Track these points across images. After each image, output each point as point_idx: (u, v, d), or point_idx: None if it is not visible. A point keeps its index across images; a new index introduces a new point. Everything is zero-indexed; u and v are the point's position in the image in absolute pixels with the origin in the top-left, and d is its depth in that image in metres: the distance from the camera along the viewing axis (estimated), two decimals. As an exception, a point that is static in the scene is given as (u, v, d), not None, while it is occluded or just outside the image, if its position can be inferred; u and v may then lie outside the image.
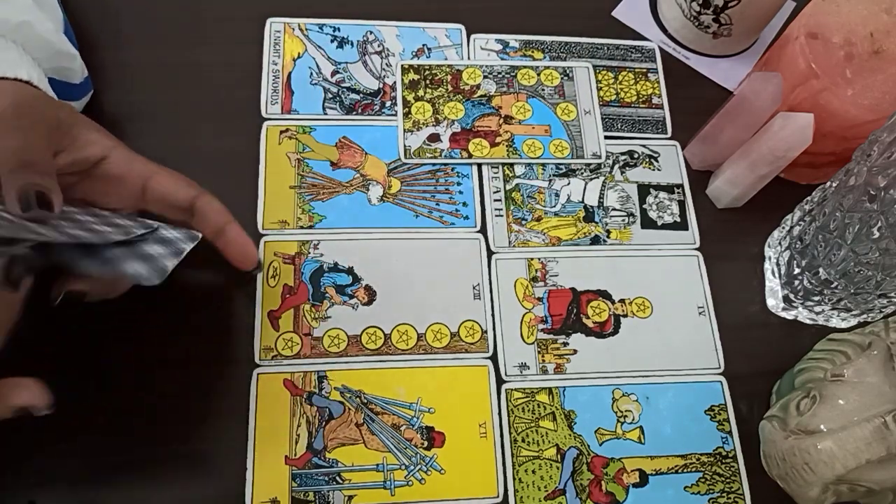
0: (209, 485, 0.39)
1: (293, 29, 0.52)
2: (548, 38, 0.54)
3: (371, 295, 0.45)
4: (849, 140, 0.43)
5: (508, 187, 0.49)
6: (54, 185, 0.33)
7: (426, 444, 0.41)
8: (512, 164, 0.49)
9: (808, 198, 0.45)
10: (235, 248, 0.40)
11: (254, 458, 0.40)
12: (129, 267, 0.34)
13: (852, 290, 0.41)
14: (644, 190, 0.50)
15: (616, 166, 0.50)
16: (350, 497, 0.40)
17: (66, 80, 0.42)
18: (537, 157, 0.49)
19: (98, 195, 0.38)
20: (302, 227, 0.46)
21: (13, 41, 0.37)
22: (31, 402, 0.30)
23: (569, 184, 0.49)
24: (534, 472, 0.41)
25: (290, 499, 0.39)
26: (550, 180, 0.49)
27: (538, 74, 0.52)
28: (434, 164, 0.49)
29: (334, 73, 0.51)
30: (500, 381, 0.43)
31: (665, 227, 0.49)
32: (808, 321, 0.47)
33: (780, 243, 0.47)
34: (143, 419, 0.40)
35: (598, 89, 0.53)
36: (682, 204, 0.50)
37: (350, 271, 0.45)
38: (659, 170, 0.51)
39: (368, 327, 0.44)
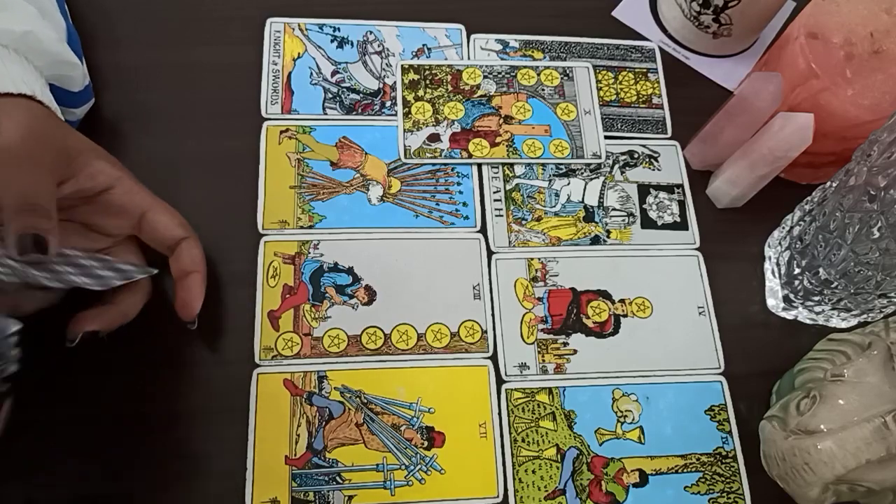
0: (209, 485, 0.39)
1: (293, 29, 0.52)
2: (548, 38, 0.54)
3: (371, 295, 0.45)
4: (849, 140, 0.43)
5: (508, 187, 0.49)
6: (54, 228, 0.33)
7: (426, 444, 0.41)
8: (512, 164, 0.49)
9: (808, 198, 0.45)
10: (184, 294, 0.39)
11: (254, 458, 0.40)
12: (77, 279, 0.36)
13: (852, 290, 0.41)
14: (644, 190, 0.50)
15: (616, 166, 0.50)
16: (350, 497, 0.40)
17: (67, 87, 0.42)
18: (537, 157, 0.49)
19: (96, 220, 0.38)
20: (302, 227, 0.46)
21: (16, 51, 0.37)
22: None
23: (569, 184, 0.49)
24: (534, 472, 0.41)
25: (290, 499, 0.39)
26: (550, 180, 0.49)
27: (538, 74, 0.52)
28: (434, 164, 0.49)
29: (334, 73, 0.51)
30: (500, 381, 0.43)
31: (665, 227, 0.49)
32: (808, 321, 0.47)
33: (780, 243, 0.47)
34: (143, 419, 0.40)
35: (598, 89, 0.53)
36: (682, 204, 0.50)
37: (350, 271, 0.45)
38: (659, 170, 0.51)
39: (368, 327, 0.44)
